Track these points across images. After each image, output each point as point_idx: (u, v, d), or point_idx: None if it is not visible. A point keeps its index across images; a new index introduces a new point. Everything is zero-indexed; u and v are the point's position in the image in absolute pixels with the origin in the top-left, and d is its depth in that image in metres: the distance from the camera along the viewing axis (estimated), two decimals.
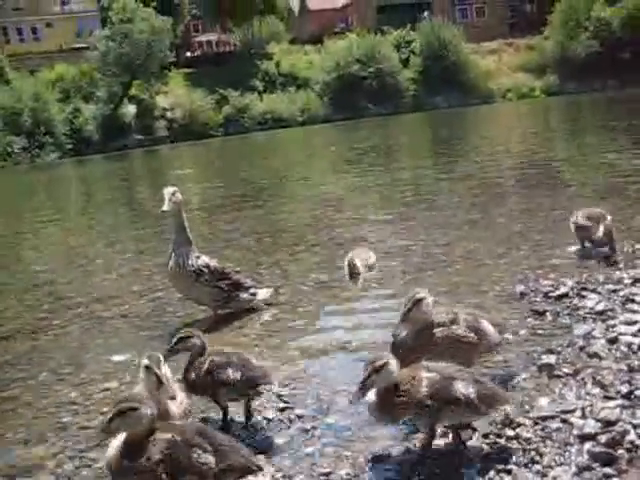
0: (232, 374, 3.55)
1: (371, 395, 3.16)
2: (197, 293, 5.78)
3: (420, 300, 3.69)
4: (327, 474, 3.14)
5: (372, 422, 3.56)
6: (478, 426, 3.36)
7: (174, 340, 3.73)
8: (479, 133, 26.47)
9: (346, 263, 6.67)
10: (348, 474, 3.13)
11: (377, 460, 3.22)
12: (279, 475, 3.18)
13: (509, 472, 2.98)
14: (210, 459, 2.74)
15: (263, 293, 5.98)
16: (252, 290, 5.92)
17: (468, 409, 3.10)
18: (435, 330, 3.71)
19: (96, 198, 19.45)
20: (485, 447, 3.22)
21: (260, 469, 2.89)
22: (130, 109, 49.73)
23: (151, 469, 2.69)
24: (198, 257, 5.75)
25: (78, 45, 57.26)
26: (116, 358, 5.06)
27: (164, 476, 2.70)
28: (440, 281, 6.10)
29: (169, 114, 50.78)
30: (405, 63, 58.13)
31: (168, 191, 5.60)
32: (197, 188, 17.58)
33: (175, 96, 51.98)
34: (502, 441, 3.24)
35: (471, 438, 3.29)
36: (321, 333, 5.15)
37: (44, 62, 53.02)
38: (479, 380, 3.21)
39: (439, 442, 3.30)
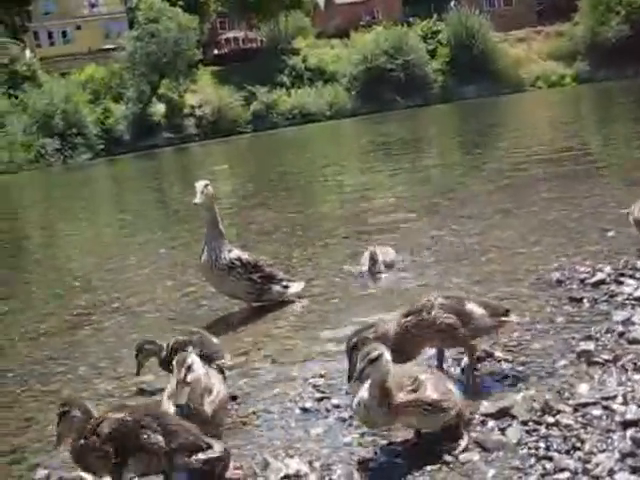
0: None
1: (363, 391, 3.07)
2: (230, 287, 5.79)
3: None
4: (365, 462, 3.13)
5: None
6: (517, 413, 3.32)
7: None
8: (509, 123, 26.20)
9: (367, 255, 6.43)
10: (387, 462, 3.12)
11: (415, 448, 3.20)
12: (317, 464, 3.18)
13: (550, 459, 2.94)
14: (159, 439, 2.86)
15: (295, 286, 5.98)
16: (284, 283, 5.93)
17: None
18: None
19: (129, 196, 19.66)
20: (524, 434, 3.18)
21: (210, 447, 2.93)
22: (159, 108, 50.18)
23: (100, 447, 2.86)
24: (230, 250, 5.77)
25: (107, 46, 57.87)
26: None
27: (113, 453, 2.85)
28: (474, 270, 6.05)
29: (198, 112, 51.12)
30: (433, 54, 57.78)
31: (200, 184, 5.62)
32: (229, 183, 17.68)
33: (203, 94, 52.31)
34: (542, 428, 3.20)
35: (510, 425, 3.26)
36: (355, 324, 5.13)
37: (74, 64, 53.70)
38: None
39: (479, 431, 3.28)
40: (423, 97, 53.63)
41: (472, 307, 3.75)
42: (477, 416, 3.39)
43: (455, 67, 56.20)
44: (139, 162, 34.45)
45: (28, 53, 52.84)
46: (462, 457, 3.08)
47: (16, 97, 44.54)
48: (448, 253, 6.79)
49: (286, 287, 5.91)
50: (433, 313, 3.69)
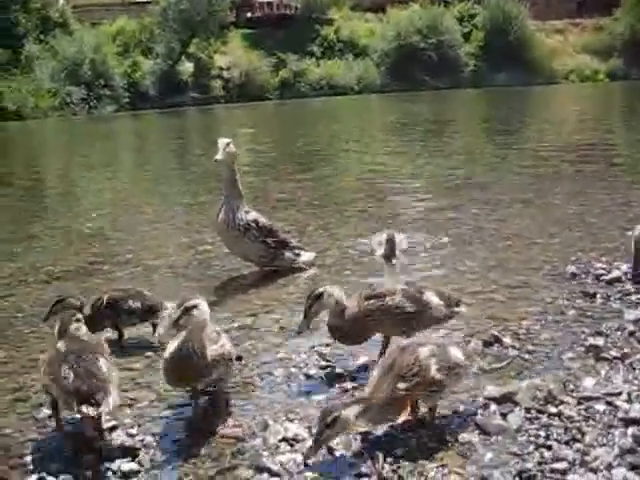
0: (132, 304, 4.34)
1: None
2: (244, 248, 5.78)
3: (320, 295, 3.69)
4: (364, 434, 3.14)
5: None
6: (520, 400, 3.32)
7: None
8: (538, 114, 25.90)
9: (384, 238, 6.16)
10: (386, 435, 3.13)
11: (415, 424, 3.21)
12: (306, 424, 3.20)
13: (549, 448, 2.94)
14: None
15: (307, 255, 5.98)
16: (297, 251, 5.93)
17: None
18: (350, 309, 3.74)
19: (151, 152, 19.68)
20: (526, 421, 3.18)
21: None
22: (188, 66, 49.92)
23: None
24: (248, 212, 5.76)
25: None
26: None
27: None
28: (489, 255, 6.03)
29: (226, 74, 50.83)
30: (467, 37, 57.01)
31: (222, 141, 5.58)
32: (251, 148, 17.63)
33: (233, 56, 51.97)
34: (544, 417, 3.20)
35: (512, 411, 3.25)
36: None
37: (106, 15, 53.42)
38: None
39: (480, 414, 3.28)
40: (453, 79, 53.00)
41: (430, 297, 3.81)
42: (480, 399, 3.39)
43: (488, 52, 55.42)
44: (163, 119, 34.42)
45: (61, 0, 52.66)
46: (461, 437, 3.09)
47: (47, 43, 44.47)
48: (465, 236, 6.75)
49: (298, 255, 5.92)
50: (396, 299, 3.75)
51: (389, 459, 2.92)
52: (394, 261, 6.09)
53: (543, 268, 5.55)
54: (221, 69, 51.10)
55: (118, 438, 3.21)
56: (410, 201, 8.73)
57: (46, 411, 3.53)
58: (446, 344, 3.22)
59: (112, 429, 3.30)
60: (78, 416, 3.12)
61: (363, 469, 2.87)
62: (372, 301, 3.75)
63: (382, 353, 3.82)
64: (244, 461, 2.99)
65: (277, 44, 52.94)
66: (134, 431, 3.28)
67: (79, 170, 15.28)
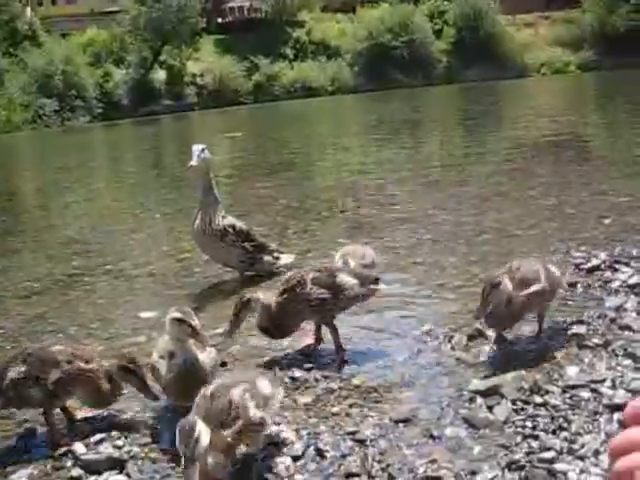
0: None
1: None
2: (222, 254, 5.74)
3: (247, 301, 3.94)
4: (353, 433, 3.14)
5: (399, 384, 3.57)
6: (506, 392, 3.34)
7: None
8: (512, 107, 26.08)
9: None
10: (373, 434, 3.13)
11: (403, 422, 3.22)
12: (305, 432, 3.19)
13: (536, 438, 2.96)
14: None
15: (285, 257, 5.95)
16: (276, 254, 5.91)
17: None
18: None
19: (127, 162, 19.56)
20: (512, 413, 3.19)
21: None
22: (160, 74, 49.74)
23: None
24: (224, 217, 5.72)
25: (110, 9, 57.19)
26: (144, 315, 5.09)
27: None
28: (469, 250, 6.05)
29: (199, 80, 50.71)
30: (438, 34, 57.32)
31: (197, 147, 5.54)
32: (227, 152, 17.58)
33: (205, 62, 51.85)
34: (530, 408, 3.21)
35: (498, 403, 3.27)
36: None
37: (76, 26, 53.06)
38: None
39: (467, 408, 3.29)
40: (426, 77, 53.27)
41: (343, 278, 3.91)
42: (466, 393, 3.40)
43: (460, 48, 55.77)
44: (138, 128, 34.23)
45: (29, 11, 52.14)
46: (449, 432, 3.10)
47: (16, 56, 44.05)
48: (444, 232, 6.78)
49: (277, 258, 5.88)
50: (306, 289, 3.88)
51: (378, 457, 2.92)
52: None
53: None
54: (194, 76, 50.97)
55: (105, 450, 3.18)
56: (389, 199, 8.74)
57: (30, 426, 3.49)
58: (254, 378, 2.93)
59: (99, 441, 3.27)
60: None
61: (353, 469, 2.87)
62: (285, 295, 3.91)
63: (317, 338, 4.13)
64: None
65: (249, 48, 52.90)
66: (121, 442, 3.25)
67: (55, 183, 15.14)
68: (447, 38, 57.34)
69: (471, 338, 4.07)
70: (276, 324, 3.93)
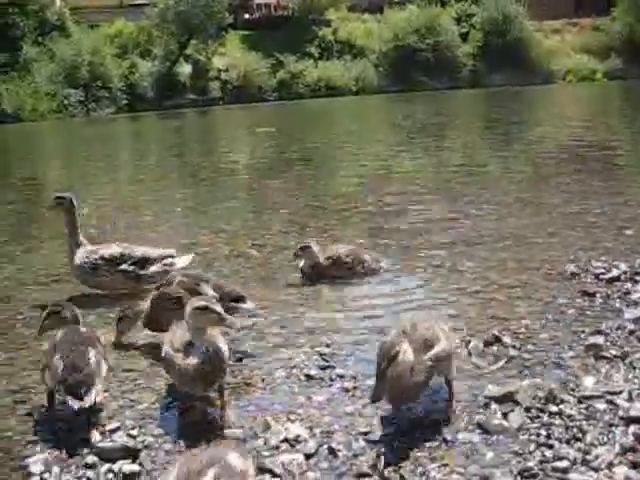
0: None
1: None
2: (108, 284, 5.58)
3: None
4: (365, 433, 3.15)
5: None
6: (521, 399, 3.33)
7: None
8: (537, 114, 25.90)
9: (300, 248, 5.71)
10: (387, 435, 3.13)
11: (415, 423, 3.22)
12: (318, 431, 3.20)
13: (550, 447, 2.95)
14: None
15: (183, 260, 5.67)
16: (168, 260, 5.64)
17: None
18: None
19: (149, 154, 19.66)
20: (527, 420, 3.18)
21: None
22: (185, 68, 49.88)
23: None
24: (92, 251, 5.58)
25: (138, 1, 57.46)
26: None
27: None
28: (488, 256, 6.03)
29: (224, 75, 50.77)
30: (465, 37, 56.97)
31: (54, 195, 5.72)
32: (250, 150, 17.65)
33: (231, 58, 51.94)
34: (544, 416, 3.20)
35: (513, 410, 3.26)
36: (367, 297, 5.14)
37: (104, 17, 53.37)
38: None
39: (481, 413, 3.28)
40: (451, 80, 52.94)
41: (204, 288, 4.23)
42: (480, 398, 3.40)
43: (486, 53, 55.36)
44: (162, 121, 34.39)
45: (58, 2, 52.58)
46: (462, 437, 3.09)
47: (44, 45, 44.42)
48: (463, 236, 6.76)
49: (171, 264, 5.60)
50: (171, 288, 4.29)
51: (390, 459, 2.93)
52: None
53: (543, 267, 5.56)
54: (219, 71, 51.05)
55: (119, 439, 3.21)
56: (409, 201, 8.72)
57: (46, 412, 3.53)
58: (225, 455, 2.57)
59: (113, 430, 3.30)
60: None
61: (364, 469, 2.87)
62: (155, 293, 4.35)
63: None
64: None
65: (275, 45, 52.90)
66: (135, 432, 3.29)
67: (78, 173, 15.27)
68: (474, 42, 56.96)
69: (487, 344, 4.06)
70: (150, 321, 4.32)
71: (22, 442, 3.28)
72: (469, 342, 4.09)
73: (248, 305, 4.28)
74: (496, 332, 4.16)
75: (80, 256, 5.54)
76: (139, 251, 5.60)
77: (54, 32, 46.25)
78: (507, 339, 4.10)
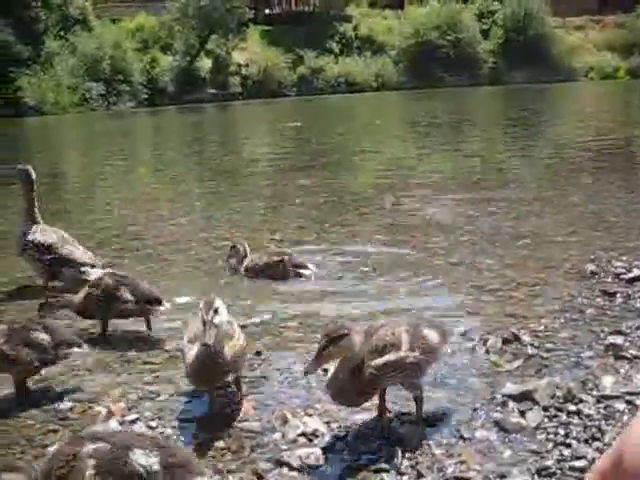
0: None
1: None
2: (31, 266, 5.87)
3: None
4: (382, 429, 3.16)
5: (431, 384, 3.56)
6: (539, 398, 3.32)
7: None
8: (559, 111, 25.70)
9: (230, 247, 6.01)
10: (404, 430, 3.14)
11: (433, 421, 3.22)
12: (335, 425, 3.22)
13: (568, 446, 2.94)
14: (45, 337, 3.61)
15: (95, 272, 5.57)
16: (83, 268, 5.69)
17: None
18: None
19: (169, 148, 19.74)
20: (545, 419, 3.17)
21: (80, 345, 3.74)
22: (206, 63, 50.01)
23: None
24: (33, 232, 5.80)
25: None
26: (179, 300, 5.16)
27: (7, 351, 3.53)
28: (507, 253, 6.01)
29: (244, 70, 50.86)
30: (486, 34, 56.61)
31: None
32: (269, 145, 17.67)
33: (251, 53, 52.02)
34: (563, 415, 3.20)
35: (531, 409, 3.25)
36: (385, 293, 5.14)
37: (126, 11, 53.61)
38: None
39: (498, 411, 3.28)
40: (471, 77, 52.62)
41: (123, 292, 4.56)
42: (498, 396, 3.39)
43: (507, 49, 54.93)
44: (182, 115, 34.52)
45: None
46: (479, 434, 3.09)
47: (66, 39, 44.72)
48: (482, 234, 6.73)
49: (83, 272, 5.64)
50: (95, 289, 4.63)
51: (407, 454, 2.94)
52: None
53: (562, 266, 5.53)
54: (239, 66, 51.11)
55: (139, 430, 3.24)
56: (428, 198, 8.71)
57: (67, 403, 3.58)
58: None
59: (133, 421, 3.34)
60: None
61: (382, 464, 2.88)
62: (87, 290, 4.71)
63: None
64: (263, 455, 3.02)
65: (295, 41, 52.88)
66: (154, 423, 3.32)
67: (98, 166, 15.37)
68: (495, 38, 56.54)
69: (506, 342, 4.05)
70: (84, 313, 4.70)
71: (42, 430, 3.33)
72: (487, 340, 4.08)
73: (163, 307, 4.59)
74: (514, 330, 4.15)
75: (23, 231, 5.81)
76: (67, 250, 5.74)
77: (76, 26, 46.54)
78: (526, 337, 4.09)
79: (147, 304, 4.57)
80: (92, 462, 2.36)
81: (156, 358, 4.15)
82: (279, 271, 5.69)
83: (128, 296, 4.57)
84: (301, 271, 5.68)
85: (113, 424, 3.31)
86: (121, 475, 2.33)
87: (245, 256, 5.87)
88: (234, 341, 3.37)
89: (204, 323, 3.15)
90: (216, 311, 3.19)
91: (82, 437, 2.59)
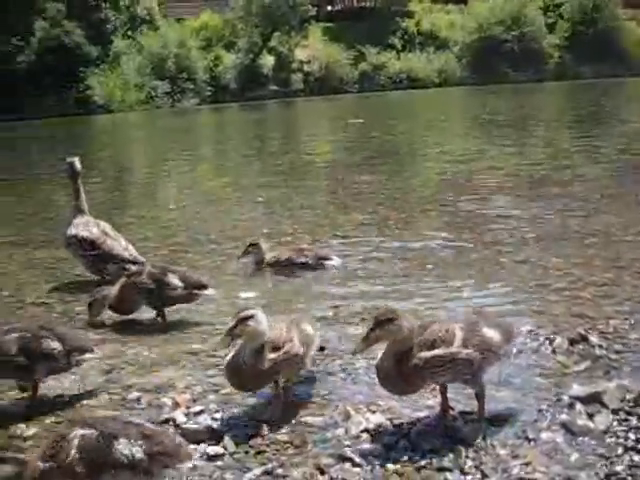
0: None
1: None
2: (78, 261, 5.97)
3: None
4: (446, 427, 3.13)
5: (495, 383, 3.51)
6: (608, 400, 3.23)
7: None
8: (627, 107, 24.91)
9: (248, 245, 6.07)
10: (468, 429, 3.10)
11: (498, 421, 3.17)
12: (398, 422, 3.21)
13: (639, 452, 2.86)
14: (57, 345, 3.59)
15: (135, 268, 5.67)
16: (126, 265, 5.71)
17: None
18: None
19: (232, 144, 19.99)
20: (614, 423, 3.09)
21: (92, 350, 3.74)
22: (269, 60, 50.43)
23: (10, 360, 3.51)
24: (76, 226, 5.83)
25: None
26: (244, 295, 5.23)
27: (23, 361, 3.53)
28: (574, 252, 5.88)
29: (306, 67, 51.09)
30: (552, 27, 55.31)
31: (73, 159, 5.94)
32: (330, 143, 17.71)
33: (313, 50, 52.18)
34: (633, 419, 3.10)
35: (599, 412, 3.17)
36: (449, 291, 5.09)
37: (190, 10, 54.51)
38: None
39: (566, 413, 3.21)
40: (536, 72, 51.51)
41: (171, 279, 4.70)
42: (565, 398, 3.32)
43: (574, 43, 53.57)
44: (245, 112, 34.90)
45: None
46: (545, 436, 3.03)
47: (133, 39, 45.81)
48: (548, 232, 6.60)
49: (126, 269, 5.62)
50: (139, 278, 4.75)
51: (471, 454, 2.90)
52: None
53: (632, 266, 5.37)
54: (301, 63, 51.36)
55: (204, 422, 3.30)
56: (492, 196, 8.58)
57: (135, 393, 3.67)
58: None
59: (197, 413, 3.40)
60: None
61: (445, 463, 2.86)
62: (124, 279, 4.81)
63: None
64: (326, 450, 3.03)
65: (357, 37, 52.79)
66: (218, 415, 3.37)
67: (162, 162, 15.69)
68: (561, 32, 55.21)
69: (573, 342, 3.96)
70: (118, 305, 4.80)
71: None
72: (554, 340, 4.00)
73: (210, 292, 4.78)
74: (582, 331, 4.05)
75: (68, 223, 5.92)
76: (109, 246, 5.77)
77: (143, 26, 47.63)
78: (593, 338, 3.99)
79: (194, 289, 4.71)
80: (77, 445, 2.56)
81: (220, 352, 4.20)
82: (304, 265, 5.79)
83: (177, 282, 4.70)
84: (325, 262, 5.81)
85: (179, 415, 3.38)
86: (104, 461, 2.55)
87: (264, 254, 5.98)
88: (277, 353, 3.34)
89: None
90: (244, 320, 3.21)
91: (74, 422, 2.78)
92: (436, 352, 3.04)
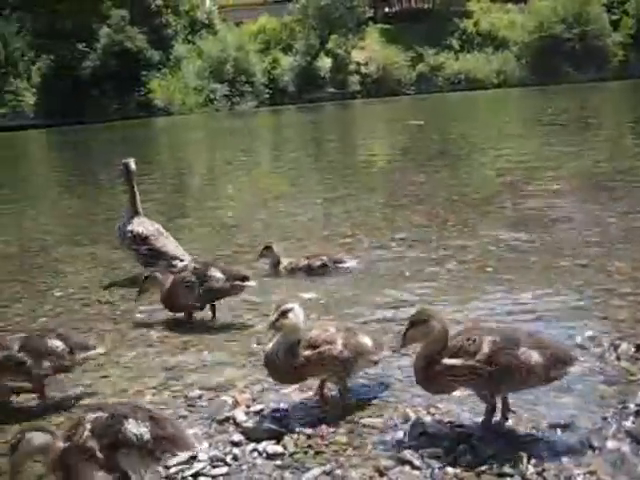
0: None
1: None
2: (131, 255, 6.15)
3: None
4: (507, 432, 3.09)
5: (557, 389, 3.44)
6: None
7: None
8: None
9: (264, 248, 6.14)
10: (529, 436, 3.06)
11: (560, 427, 3.11)
12: (458, 426, 3.18)
13: None
14: (59, 344, 3.69)
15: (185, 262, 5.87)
16: (174, 261, 5.87)
17: None
18: None
19: (290, 146, 20.14)
20: None
21: (94, 348, 3.80)
22: (326, 62, 50.65)
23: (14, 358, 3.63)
24: (130, 222, 6.04)
25: None
26: (305, 295, 5.26)
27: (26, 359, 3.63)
28: (638, 255, 5.71)
29: (363, 69, 51.13)
30: (616, 25, 53.92)
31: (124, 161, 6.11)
32: (388, 145, 17.66)
33: (370, 51, 52.17)
34: None
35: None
36: (508, 295, 5.02)
37: (249, 14, 55.19)
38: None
39: (632, 421, 3.13)
40: (599, 71, 50.36)
41: (213, 272, 4.86)
42: (631, 406, 3.24)
43: None
44: (302, 114, 35.12)
45: (208, 2, 54.89)
46: (610, 445, 2.96)
47: (193, 43, 46.64)
48: (611, 235, 6.44)
49: (174, 265, 5.79)
50: (185, 273, 4.96)
51: (533, 460, 2.86)
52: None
53: None
54: (358, 65, 51.43)
55: (264, 421, 3.34)
56: (552, 197, 8.42)
57: (197, 391, 3.74)
58: None
59: (258, 412, 3.44)
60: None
61: (506, 469, 2.82)
62: (171, 276, 4.98)
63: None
64: (385, 452, 3.02)
65: (414, 38, 52.56)
66: (278, 415, 3.41)
67: (221, 164, 15.92)
68: (625, 29, 53.82)
69: (639, 348, 3.85)
70: (169, 302, 4.96)
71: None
72: (618, 346, 3.90)
73: (251, 283, 4.88)
74: None
75: (123, 221, 6.12)
76: (161, 243, 5.97)
77: (202, 30, 48.45)
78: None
79: (235, 281, 4.83)
80: (90, 426, 2.78)
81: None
82: (322, 271, 5.89)
83: (219, 274, 4.84)
84: (340, 265, 5.90)
85: (239, 414, 3.43)
86: (115, 439, 2.76)
87: (278, 257, 6.05)
88: (312, 351, 3.35)
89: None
90: (284, 313, 3.29)
91: (89, 407, 3.06)
92: (454, 362, 3.05)
